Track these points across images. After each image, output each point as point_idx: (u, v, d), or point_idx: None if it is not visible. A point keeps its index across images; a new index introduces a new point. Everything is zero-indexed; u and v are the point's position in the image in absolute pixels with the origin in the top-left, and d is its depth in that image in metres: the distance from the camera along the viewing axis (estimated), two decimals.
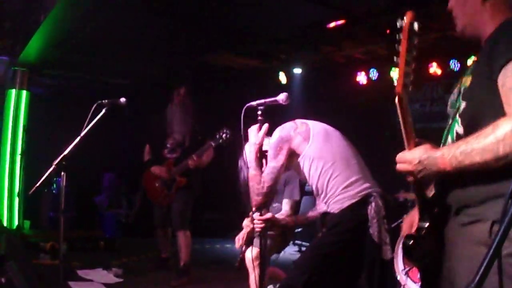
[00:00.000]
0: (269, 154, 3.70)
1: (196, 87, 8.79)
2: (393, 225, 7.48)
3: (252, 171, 3.71)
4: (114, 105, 4.36)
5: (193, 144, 6.51)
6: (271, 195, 3.79)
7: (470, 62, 7.99)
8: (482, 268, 1.51)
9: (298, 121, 3.84)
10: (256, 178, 3.68)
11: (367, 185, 3.63)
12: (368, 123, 9.48)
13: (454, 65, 8.44)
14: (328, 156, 3.66)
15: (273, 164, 3.66)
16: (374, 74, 9.40)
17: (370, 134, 9.36)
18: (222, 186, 8.55)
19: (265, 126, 3.69)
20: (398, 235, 6.56)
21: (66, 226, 7.54)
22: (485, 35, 2.24)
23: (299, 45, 9.29)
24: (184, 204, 6.53)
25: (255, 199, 3.72)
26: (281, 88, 9.32)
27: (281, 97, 3.66)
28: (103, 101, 4.33)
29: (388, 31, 7.92)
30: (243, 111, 3.67)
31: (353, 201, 3.57)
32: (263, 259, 3.89)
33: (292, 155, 3.70)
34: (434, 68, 8.66)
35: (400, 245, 6.02)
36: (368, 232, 3.50)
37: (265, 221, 3.83)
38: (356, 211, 3.56)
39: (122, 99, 4.41)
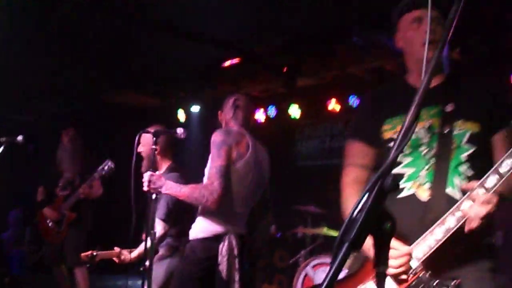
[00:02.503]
0: (211, 156, 3.84)
1: (97, 125, 8.67)
2: (290, 261, 7.58)
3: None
4: (11, 143, 4.35)
5: (83, 182, 6.58)
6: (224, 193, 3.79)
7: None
8: None
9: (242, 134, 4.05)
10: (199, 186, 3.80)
11: (228, 226, 3.85)
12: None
13: (353, 101, 8.56)
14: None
15: (217, 163, 3.78)
16: (272, 111, 9.47)
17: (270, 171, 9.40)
18: (120, 221, 8.38)
19: None
20: (295, 271, 6.63)
21: None
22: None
23: (197, 84, 9.30)
24: (76, 239, 6.57)
25: (210, 198, 3.71)
26: (180, 126, 9.25)
27: (179, 131, 3.95)
28: (1, 138, 4.33)
29: (285, 69, 8.05)
30: (137, 137, 3.94)
31: (207, 236, 3.81)
32: None
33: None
34: (333, 104, 8.79)
35: None
36: (217, 268, 3.73)
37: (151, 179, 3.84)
38: (206, 245, 3.79)
39: (20, 137, 4.39)
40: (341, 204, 2.56)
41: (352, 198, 2.50)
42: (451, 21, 1.47)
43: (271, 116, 9.52)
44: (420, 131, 2.36)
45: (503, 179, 2.11)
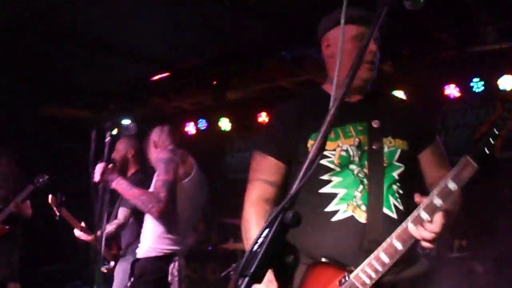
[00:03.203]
0: (158, 171, 3.92)
1: (30, 138, 8.51)
2: (222, 274, 7.58)
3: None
4: None
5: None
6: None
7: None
8: None
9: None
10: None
11: (175, 246, 3.95)
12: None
13: None
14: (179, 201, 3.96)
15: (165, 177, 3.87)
16: (203, 124, 9.45)
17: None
18: (58, 237, 8.23)
19: None
20: (227, 283, 6.64)
21: None
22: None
23: (128, 97, 9.23)
24: (7, 254, 6.40)
25: (156, 206, 3.78)
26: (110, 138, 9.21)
27: (131, 125, 4.05)
28: None
29: (214, 82, 8.08)
30: (93, 133, 4.02)
31: (157, 255, 3.86)
32: None
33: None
34: (263, 118, 8.81)
35: None
36: None
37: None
38: (158, 265, 3.85)
39: None
40: (242, 223, 2.44)
41: (256, 218, 2.37)
42: (367, 42, 1.49)
43: (201, 129, 9.50)
44: (349, 148, 2.31)
45: (448, 200, 2.05)
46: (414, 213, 2.08)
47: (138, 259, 3.96)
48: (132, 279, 3.96)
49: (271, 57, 7.27)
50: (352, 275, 2.17)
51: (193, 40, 6.88)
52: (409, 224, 2.08)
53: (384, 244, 2.12)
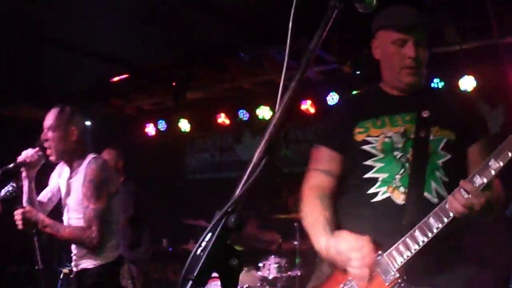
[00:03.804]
0: (89, 194, 3.59)
1: None
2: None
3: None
4: None
5: None
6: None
7: (265, 112, 8.30)
8: None
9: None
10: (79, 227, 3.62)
11: (120, 249, 3.84)
12: (158, 173, 9.49)
13: (243, 115, 8.65)
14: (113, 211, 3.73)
15: (96, 205, 3.58)
16: (162, 125, 9.43)
17: (161, 184, 9.36)
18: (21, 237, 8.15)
19: None
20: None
21: None
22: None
23: (88, 98, 9.13)
24: None
25: (90, 244, 3.59)
26: None
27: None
28: None
29: (174, 83, 8.05)
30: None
31: (110, 260, 3.71)
32: None
33: None
34: (223, 118, 8.87)
35: None
36: None
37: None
38: (114, 269, 3.75)
39: None
40: (301, 209, 2.52)
41: (311, 205, 2.47)
42: (316, 44, 1.50)
43: (161, 130, 9.48)
44: (394, 135, 2.38)
45: (489, 180, 2.09)
46: (454, 191, 2.14)
47: (85, 270, 3.75)
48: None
49: (231, 57, 7.26)
50: (385, 253, 2.24)
51: (154, 40, 6.85)
52: (448, 199, 2.15)
53: (421, 223, 2.18)
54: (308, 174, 2.59)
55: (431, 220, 2.17)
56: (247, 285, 5.96)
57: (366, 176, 2.39)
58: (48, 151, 3.72)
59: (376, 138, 2.40)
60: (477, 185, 2.10)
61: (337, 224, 2.41)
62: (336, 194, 2.52)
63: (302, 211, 2.52)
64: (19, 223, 3.62)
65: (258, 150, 1.35)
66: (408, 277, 2.21)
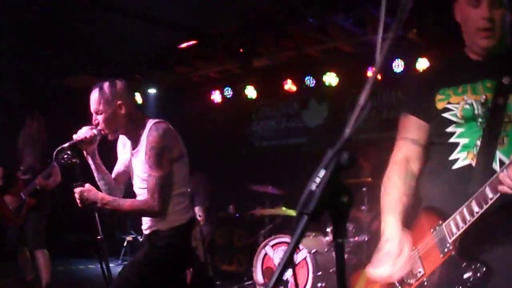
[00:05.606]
0: (151, 162, 3.52)
1: (53, 108, 8.56)
2: (249, 241, 7.64)
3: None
4: None
5: (44, 167, 6.56)
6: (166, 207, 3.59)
7: (331, 79, 8.28)
8: None
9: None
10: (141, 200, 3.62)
11: (191, 211, 3.81)
12: (224, 141, 9.59)
13: (310, 81, 8.64)
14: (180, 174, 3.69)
15: (158, 173, 3.51)
16: (228, 92, 9.50)
17: (227, 152, 9.45)
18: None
19: None
20: (254, 250, 6.67)
21: None
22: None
23: (153, 66, 9.25)
24: (35, 223, 6.62)
25: (153, 213, 3.58)
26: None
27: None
28: None
29: (241, 50, 8.08)
30: (54, 155, 3.71)
31: (183, 222, 3.67)
32: None
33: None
34: (289, 85, 8.86)
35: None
36: (196, 254, 3.68)
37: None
38: (185, 231, 3.68)
39: None
40: (384, 179, 2.50)
41: (394, 185, 2.44)
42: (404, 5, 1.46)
43: (227, 97, 9.56)
44: (474, 102, 2.31)
45: None
46: (506, 166, 2.06)
47: (156, 231, 3.72)
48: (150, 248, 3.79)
49: (297, 24, 7.23)
50: (444, 224, 2.22)
51: (220, 8, 6.86)
52: (499, 175, 2.06)
53: (477, 193, 2.11)
54: (398, 143, 2.55)
55: (487, 191, 2.09)
56: (314, 250, 5.98)
57: (448, 141, 2.34)
58: (103, 132, 3.65)
59: (456, 105, 2.34)
60: None
61: (419, 192, 2.41)
62: (422, 163, 2.48)
63: (383, 183, 2.49)
64: (78, 202, 3.62)
65: (364, 94, 1.34)
66: (461, 250, 2.17)
